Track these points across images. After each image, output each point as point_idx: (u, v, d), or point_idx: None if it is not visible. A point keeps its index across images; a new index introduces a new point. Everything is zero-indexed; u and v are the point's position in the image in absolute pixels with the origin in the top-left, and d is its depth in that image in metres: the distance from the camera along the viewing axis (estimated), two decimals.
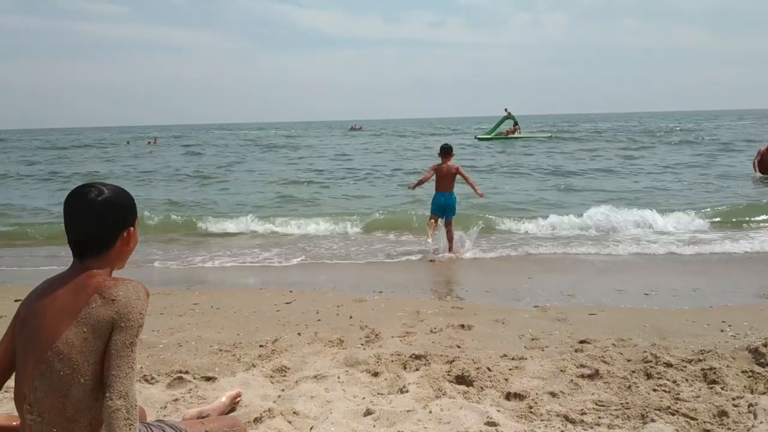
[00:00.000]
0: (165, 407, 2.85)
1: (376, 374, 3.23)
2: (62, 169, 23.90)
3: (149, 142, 48.20)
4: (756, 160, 15.02)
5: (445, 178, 7.51)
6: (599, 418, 2.67)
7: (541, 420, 2.66)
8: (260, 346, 3.85)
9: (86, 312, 1.69)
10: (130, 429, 1.60)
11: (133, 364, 1.67)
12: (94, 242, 1.79)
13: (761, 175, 14.69)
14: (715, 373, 3.14)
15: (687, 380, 3.11)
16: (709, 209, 10.85)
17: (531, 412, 2.73)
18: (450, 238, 7.50)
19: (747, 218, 10.06)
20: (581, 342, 3.83)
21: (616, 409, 2.75)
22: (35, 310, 1.78)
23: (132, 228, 1.85)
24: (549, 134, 38.25)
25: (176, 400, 2.94)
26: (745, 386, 3.05)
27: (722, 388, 2.98)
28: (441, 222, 7.52)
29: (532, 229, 9.57)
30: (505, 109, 36.27)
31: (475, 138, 38.93)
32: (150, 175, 20.95)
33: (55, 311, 1.74)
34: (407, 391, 2.97)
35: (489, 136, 36.70)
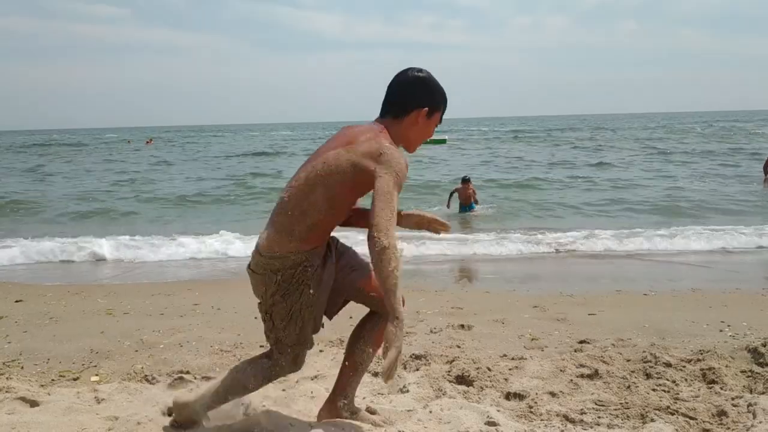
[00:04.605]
0: (165, 408, 2.85)
1: (376, 374, 3.23)
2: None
3: (147, 142, 48.54)
4: (765, 165, 14.63)
5: (465, 197, 11.36)
6: (599, 417, 2.67)
7: (541, 420, 2.66)
8: (261, 346, 3.85)
9: (354, 148, 2.07)
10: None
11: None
12: (391, 102, 2.21)
13: None
14: (714, 372, 3.14)
15: (686, 380, 3.11)
16: (706, 208, 10.88)
17: (531, 412, 2.74)
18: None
19: (742, 218, 10.10)
20: (581, 342, 3.83)
21: (615, 409, 2.76)
22: (333, 135, 2.23)
23: (425, 110, 2.18)
24: (445, 138, 38.01)
25: None
26: (744, 386, 3.06)
27: (721, 388, 2.98)
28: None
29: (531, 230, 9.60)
30: None
31: None
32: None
33: (339, 137, 2.15)
34: (407, 391, 2.97)
35: None
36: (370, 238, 1.97)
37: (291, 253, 2.13)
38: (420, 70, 2.20)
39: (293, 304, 2.20)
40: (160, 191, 16.22)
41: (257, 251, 2.22)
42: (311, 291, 2.20)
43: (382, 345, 1.99)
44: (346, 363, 2.44)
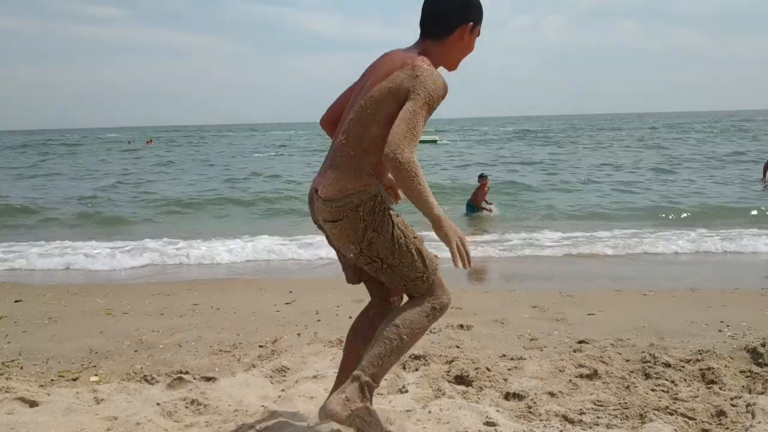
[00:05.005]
0: (165, 408, 2.85)
1: None
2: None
3: (147, 142, 48.55)
4: (765, 167, 14.53)
5: (481, 196, 11.15)
6: (598, 417, 2.67)
7: (540, 420, 2.67)
8: (260, 346, 3.86)
9: (393, 77, 2.06)
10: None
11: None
12: (431, 24, 2.15)
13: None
14: (713, 373, 3.14)
15: (685, 380, 3.11)
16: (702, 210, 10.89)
17: (530, 412, 2.74)
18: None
19: (742, 219, 10.10)
20: (580, 342, 3.83)
21: (614, 409, 2.76)
22: (367, 70, 2.22)
23: (470, 24, 2.13)
24: (436, 138, 38.08)
25: (176, 400, 2.94)
26: (743, 386, 3.06)
27: (720, 388, 2.98)
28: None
29: (533, 232, 9.61)
30: None
31: None
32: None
33: (381, 69, 2.12)
34: (406, 391, 2.97)
35: None
36: (384, 157, 1.96)
37: (366, 186, 2.10)
38: None
39: (390, 231, 2.12)
40: (158, 194, 16.16)
41: (324, 201, 2.12)
42: (396, 214, 2.18)
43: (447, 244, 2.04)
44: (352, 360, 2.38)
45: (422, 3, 2.16)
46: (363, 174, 2.10)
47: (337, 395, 2.12)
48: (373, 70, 2.18)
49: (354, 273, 2.37)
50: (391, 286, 2.25)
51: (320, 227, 2.27)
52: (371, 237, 2.11)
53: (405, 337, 2.14)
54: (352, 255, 2.18)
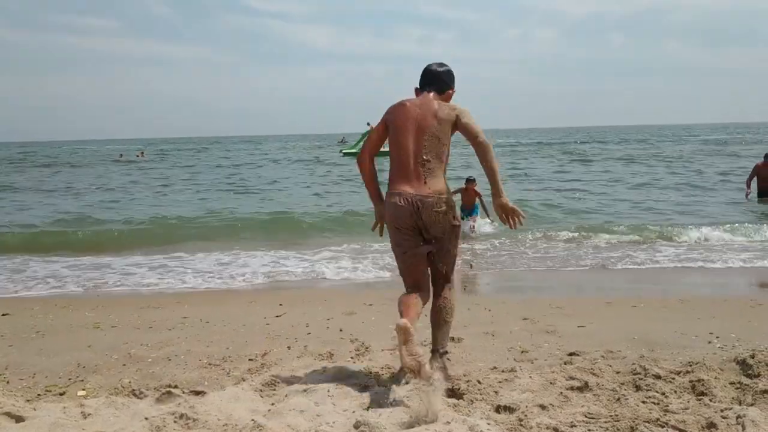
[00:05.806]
0: (154, 422, 2.82)
1: (366, 387, 3.22)
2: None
3: (138, 155, 48.19)
4: (749, 179, 14.36)
5: (468, 200, 10.60)
6: (589, 430, 2.67)
7: None
8: (250, 359, 3.84)
9: (441, 114, 3.19)
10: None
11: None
12: (437, 85, 3.35)
13: (752, 194, 13.99)
14: (703, 384, 3.15)
15: (676, 392, 3.12)
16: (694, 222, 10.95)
17: (521, 425, 2.73)
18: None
19: (730, 231, 10.15)
20: (570, 354, 3.84)
21: (605, 422, 2.76)
22: (399, 112, 3.28)
23: (452, 92, 3.41)
24: None
25: (165, 414, 2.91)
26: (733, 398, 3.07)
27: (711, 400, 2.99)
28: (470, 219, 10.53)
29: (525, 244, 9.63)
30: (367, 123, 35.06)
31: (341, 153, 40.86)
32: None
33: (423, 111, 3.22)
34: (398, 405, 2.96)
35: (353, 151, 37.04)
36: (480, 143, 3.10)
37: (445, 188, 3.22)
38: (444, 64, 3.44)
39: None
40: (141, 209, 15.91)
41: (435, 196, 3.16)
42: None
43: (506, 212, 3.19)
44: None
45: (429, 73, 3.37)
46: (442, 181, 3.22)
47: (434, 364, 3.26)
48: (408, 112, 3.23)
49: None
50: (445, 265, 3.34)
51: (413, 228, 3.21)
52: (455, 226, 3.29)
53: (453, 316, 3.45)
54: (444, 236, 3.25)
